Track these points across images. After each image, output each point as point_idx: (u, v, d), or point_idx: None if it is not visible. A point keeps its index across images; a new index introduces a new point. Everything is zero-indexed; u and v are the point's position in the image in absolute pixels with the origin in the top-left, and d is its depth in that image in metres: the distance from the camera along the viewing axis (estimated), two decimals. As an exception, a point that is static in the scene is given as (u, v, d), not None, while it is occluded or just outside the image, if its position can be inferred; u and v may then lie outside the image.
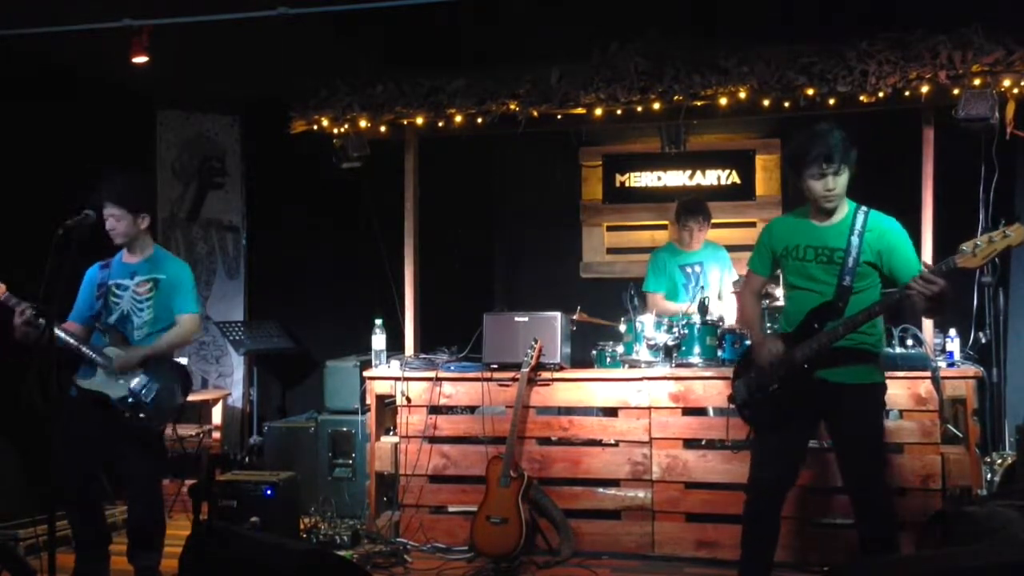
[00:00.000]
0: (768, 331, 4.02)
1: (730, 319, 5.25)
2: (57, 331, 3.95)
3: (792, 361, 3.63)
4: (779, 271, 3.93)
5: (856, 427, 3.64)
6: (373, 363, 5.38)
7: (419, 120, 5.40)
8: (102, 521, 4.26)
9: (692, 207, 5.72)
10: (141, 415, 4.07)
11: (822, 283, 3.63)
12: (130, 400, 4.06)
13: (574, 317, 5.35)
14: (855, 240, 3.59)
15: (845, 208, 3.68)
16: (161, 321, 4.20)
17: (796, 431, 3.75)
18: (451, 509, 5.15)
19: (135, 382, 4.07)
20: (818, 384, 3.61)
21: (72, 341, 4.07)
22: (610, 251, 6.81)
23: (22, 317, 3.92)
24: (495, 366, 5.10)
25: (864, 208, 3.67)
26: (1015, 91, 4.72)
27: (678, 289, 5.68)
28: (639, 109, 5.16)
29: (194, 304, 4.28)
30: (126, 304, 4.18)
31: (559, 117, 5.37)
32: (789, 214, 3.79)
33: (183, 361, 6.29)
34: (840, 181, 3.59)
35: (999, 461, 4.93)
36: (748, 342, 4.95)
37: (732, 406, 4.07)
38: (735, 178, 6.55)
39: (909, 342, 4.70)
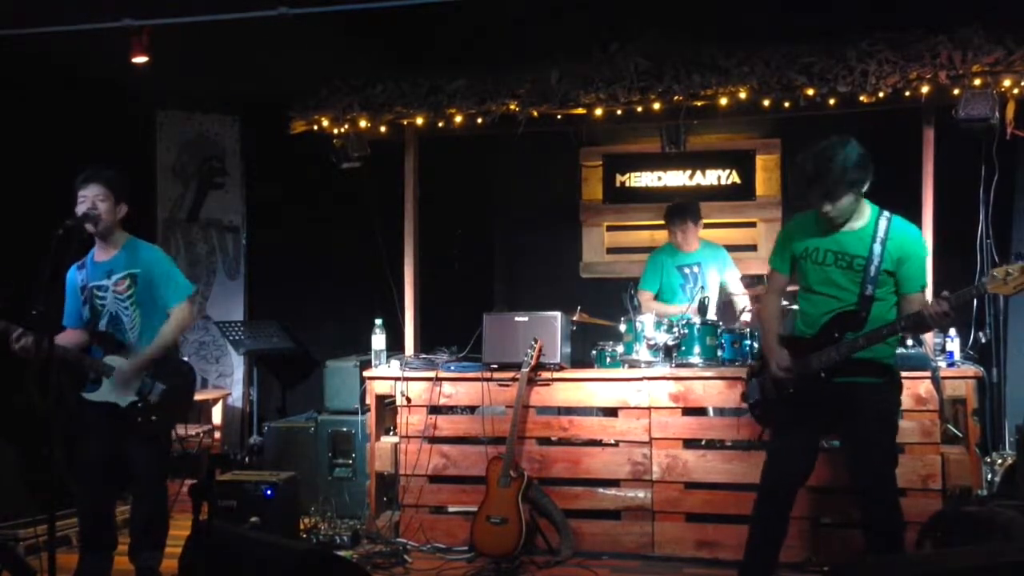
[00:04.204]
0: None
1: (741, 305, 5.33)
2: (59, 343, 3.89)
3: (809, 367, 3.62)
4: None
5: (867, 426, 3.63)
6: (373, 363, 5.37)
7: (419, 120, 5.40)
8: (111, 524, 4.25)
9: (677, 210, 5.71)
10: (153, 418, 4.07)
11: (843, 289, 3.61)
12: (139, 405, 4.05)
13: (574, 317, 5.35)
14: (877, 248, 3.56)
15: (867, 213, 3.64)
16: (150, 315, 4.13)
17: (809, 432, 3.75)
18: (451, 509, 5.15)
19: (141, 386, 4.06)
20: (833, 387, 3.61)
21: (73, 356, 4.01)
22: (610, 251, 6.81)
23: (19, 343, 3.84)
24: (495, 366, 5.10)
25: (887, 214, 3.64)
26: (1015, 91, 4.72)
27: (675, 290, 5.68)
28: (639, 109, 5.16)
29: (180, 291, 4.17)
30: (111, 305, 4.10)
31: (559, 117, 5.37)
32: (811, 213, 3.72)
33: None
34: (839, 206, 3.55)
35: (999, 461, 4.93)
36: (750, 343, 4.98)
37: (744, 404, 4.06)
38: (735, 178, 6.55)
39: (909, 342, 4.70)
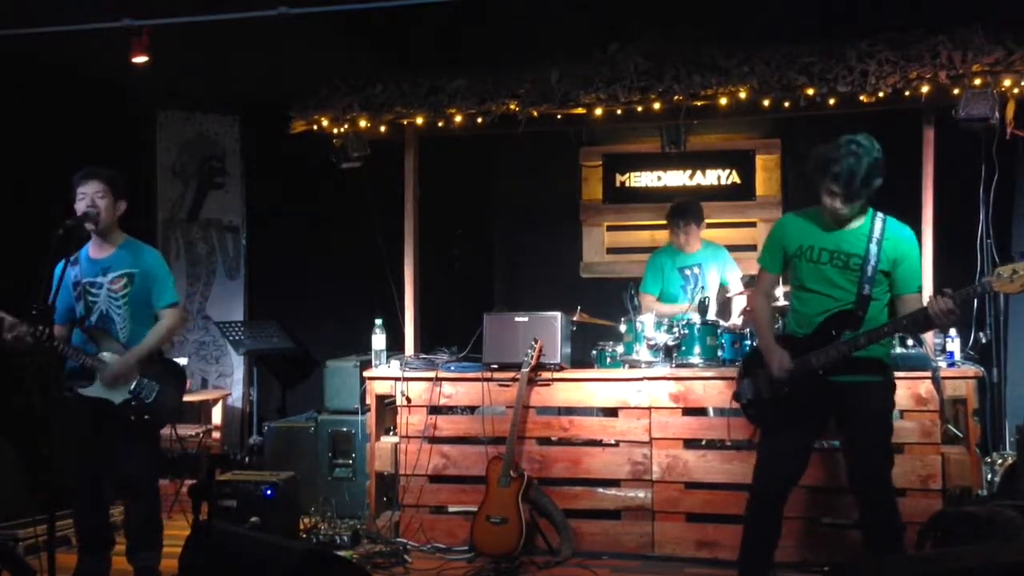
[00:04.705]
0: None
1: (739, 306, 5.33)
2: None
3: (808, 367, 3.61)
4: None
5: (866, 425, 3.63)
6: (373, 363, 5.37)
7: (419, 120, 5.40)
8: (107, 523, 4.26)
9: (678, 211, 5.68)
10: (145, 416, 4.07)
11: (840, 289, 3.61)
12: (132, 403, 4.05)
13: (574, 317, 5.35)
14: (873, 248, 3.57)
15: (862, 214, 3.65)
16: (140, 316, 4.14)
17: (801, 434, 3.74)
18: (451, 509, 5.15)
19: (135, 385, 4.06)
20: (829, 386, 3.61)
21: (69, 350, 4.02)
22: (610, 251, 6.81)
23: (11, 332, 3.84)
24: (495, 366, 5.09)
25: (881, 215, 3.64)
26: (1015, 91, 4.72)
27: (676, 291, 5.67)
28: (639, 109, 5.16)
29: (173, 294, 4.22)
30: (103, 303, 4.11)
31: (559, 117, 5.37)
32: (803, 212, 3.74)
33: (183, 361, 6.30)
34: (854, 207, 3.55)
35: (999, 461, 4.93)
36: (750, 343, 4.98)
37: (736, 404, 4.05)
38: (735, 178, 6.55)
39: (909, 342, 4.70)
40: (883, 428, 3.68)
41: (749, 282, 5.82)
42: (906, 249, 3.61)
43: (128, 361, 4.05)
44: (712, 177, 6.58)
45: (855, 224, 3.64)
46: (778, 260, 3.82)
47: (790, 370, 3.65)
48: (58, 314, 4.07)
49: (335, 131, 5.55)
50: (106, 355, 4.06)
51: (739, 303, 5.56)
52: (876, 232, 3.59)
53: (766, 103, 5.03)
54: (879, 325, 3.55)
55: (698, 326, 4.97)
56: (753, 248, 6.46)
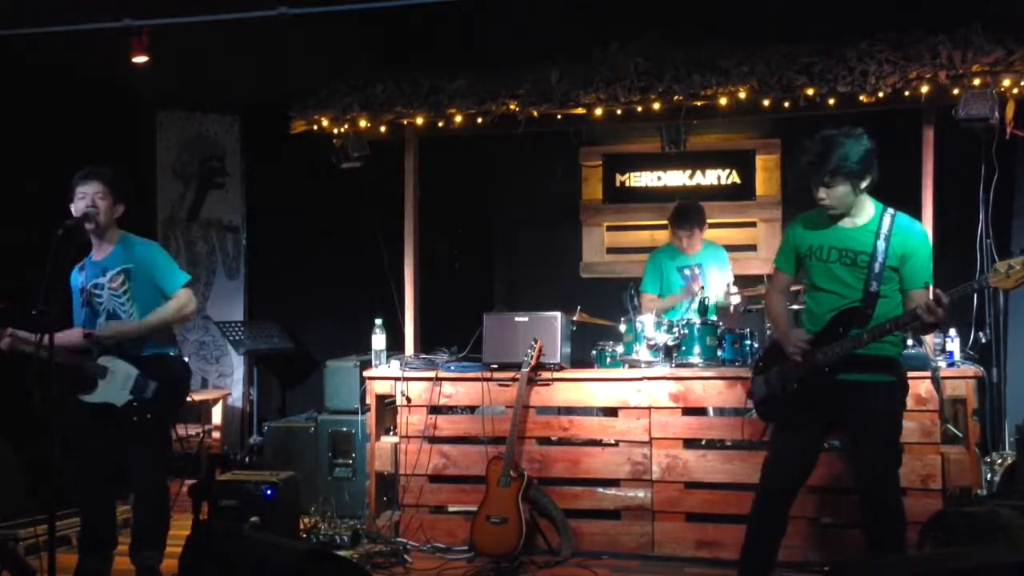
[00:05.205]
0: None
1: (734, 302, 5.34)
2: (58, 344, 3.89)
3: (814, 363, 3.61)
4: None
5: (870, 426, 3.63)
6: (373, 363, 5.37)
7: (419, 120, 5.40)
8: (111, 523, 4.25)
9: (683, 215, 5.66)
10: (148, 416, 4.06)
11: (848, 286, 3.61)
12: (134, 403, 4.04)
13: (574, 317, 5.35)
14: (881, 244, 3.57)
15: (871, 210, 3.64)
16: (150, 310, 4.11)
17: (811, 431, 3.74)
18: (451, 509, 5.15)
19: (133, 384, 4.04)
20: (837, 384, 3.61)
21: (66, 352, 4.02)
22: (610, 251, 6.81)
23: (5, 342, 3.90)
24: (495, 366, 5.09)
25: (891, 211, 3.64)
26: (1015, 91, 4.72)
27: (675, 291, 5.67)
28: (639, 109, 5.16)
29: (177, 279, 4.16)
30: (108, 303, 4.10)
31: (559, 117, 5.37)
32: (815, 212, 3.74)
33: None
34: (833, 193, 3.55)
35: (999, 461, 4.93)
36: (750, 343, 4.99)
37: (746, 404, 4.06)
38: (735, 178, 6.55)
39: (909, 342, 4.69)
40: (892, 428, 3.67)
41: (747, 283, 5.82)
42: (915, 244, 3.59)
43: (128, 327, 4.04)
44: (712, 177, 6.58)
45: (862, 221, 3.63)
46: (791, 261, 3.83)
47: (807, 342, 3.61)
48: (77, 320, 4.10)
49: (335, 131, 5.55)
50: (105, 359, 4.06)
51: (733, 301, 5.55)
52: (884, 228, 3.59)
53: (766, 103, 5.03)
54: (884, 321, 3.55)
55: (698, 326, 4.97)
56: (753, 248, 6.47)
